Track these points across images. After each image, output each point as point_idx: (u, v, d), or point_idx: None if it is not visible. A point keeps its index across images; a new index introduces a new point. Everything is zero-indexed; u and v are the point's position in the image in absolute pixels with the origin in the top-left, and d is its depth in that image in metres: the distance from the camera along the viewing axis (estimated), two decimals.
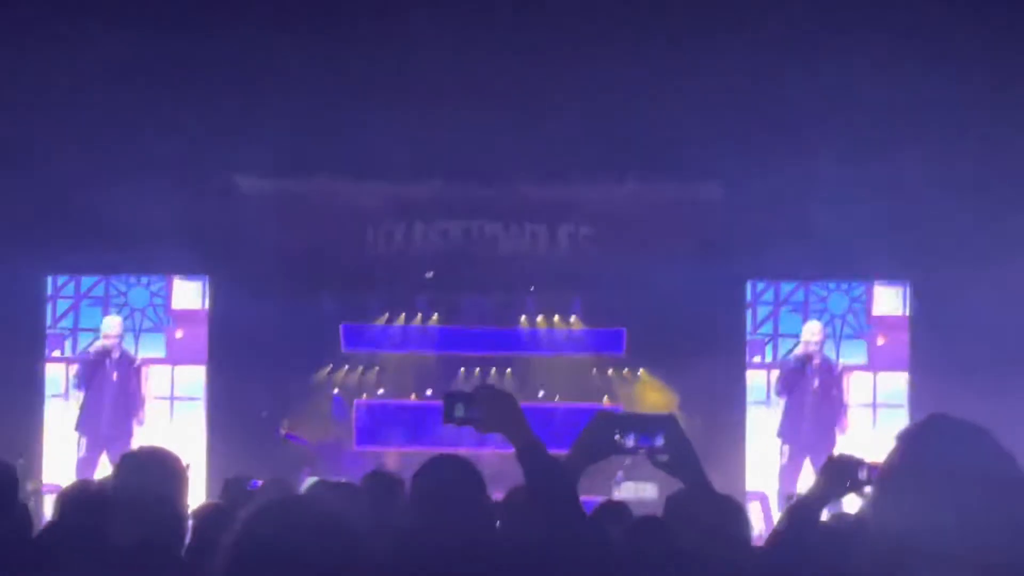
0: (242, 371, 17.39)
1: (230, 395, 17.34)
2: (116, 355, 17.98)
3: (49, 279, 18.05)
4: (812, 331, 18.00)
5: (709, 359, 17.21)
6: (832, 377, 17.94)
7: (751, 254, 17.26)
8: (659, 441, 4.25)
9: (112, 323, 18.05)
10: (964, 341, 16.12)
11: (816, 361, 17.91)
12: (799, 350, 18.00)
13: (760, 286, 18.15)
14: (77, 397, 18.00)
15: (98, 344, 18.01)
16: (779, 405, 17.97)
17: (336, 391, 19.22)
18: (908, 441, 2.96)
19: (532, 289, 18.60)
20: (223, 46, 15.06)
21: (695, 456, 4.32)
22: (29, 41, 14.71)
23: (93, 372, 17.94)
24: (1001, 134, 14.99)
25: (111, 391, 17.96)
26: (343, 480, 7.12)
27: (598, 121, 15.72)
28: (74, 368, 18.04)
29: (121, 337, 18.04)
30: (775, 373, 18.07)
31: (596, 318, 18.83)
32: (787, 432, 17.88)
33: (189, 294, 18.17)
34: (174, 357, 18.12)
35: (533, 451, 4.27)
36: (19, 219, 16.63)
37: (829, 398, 17.90)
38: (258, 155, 17.09)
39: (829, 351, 17.98)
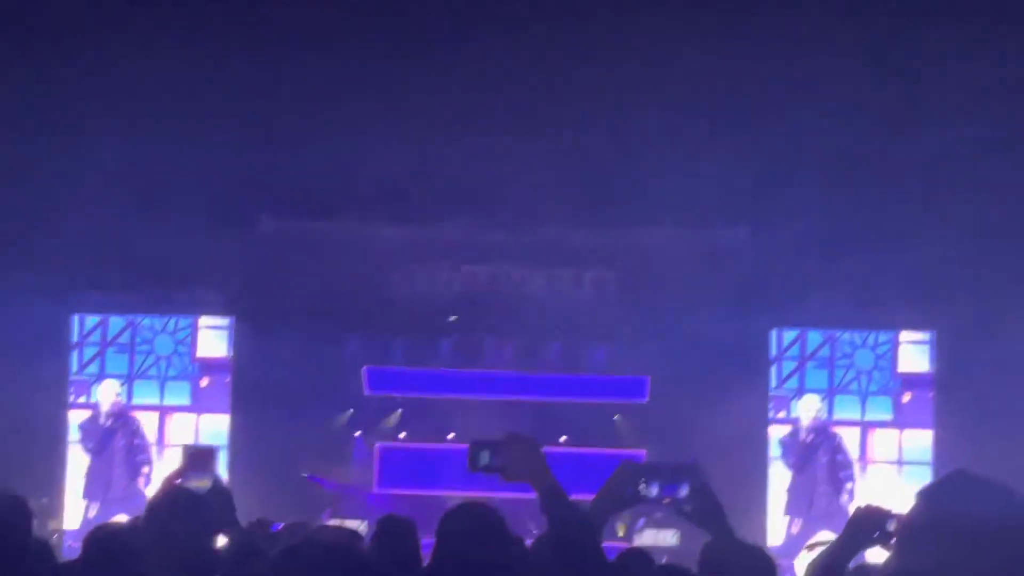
0: (265, 412, 17.39)
1: (253, 436, 17.29)
2: (116, 420, 17.96)
3: (75, 318, 18.08)
4: (810, 405, 17.93)
5: (733, 408, 17.16)
6: (834, 446, 17.84)
7: (776, 302, 17.24)
8: (683, 491, 4.24)
9: (108, 390, 18.05)
10: (991, 391, 16.02)
11: (813, 435, 17.84)
12: (803, 422, 17.93)
13: (788, 336, 18.07)
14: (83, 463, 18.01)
15: (102, 410, 18.01)
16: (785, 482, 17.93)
17: (358, 433, 19.22)
18: (928, 498, 2.94)
19: (557, 333, 18.58)
20: (248, 89, 15.13)
21: (720, 507, 4.31)
22: (60, 81, 14.79)
23: (101, 440, 17.94)
24: None
25: (119, 455, 17.94)
26: (360, 523, 7.08)
27: (624, 167, 15.75)
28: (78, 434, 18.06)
29: (121, 402, 18.03)
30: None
31: (620, 365, 18.80)
32: (797, 507, 17.79)
33: (214, 342, 18.17)
34: (200, 405, 18.14)
35: (557, 499, 4.27)
36: (45, 258, 16.68)
37: (835, 467, 17.80)
38: (284, 197, 17.16)
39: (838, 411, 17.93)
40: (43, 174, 15.66)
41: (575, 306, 17.83)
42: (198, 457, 4.83)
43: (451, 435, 18.48)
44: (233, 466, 17.17)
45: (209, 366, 18.14)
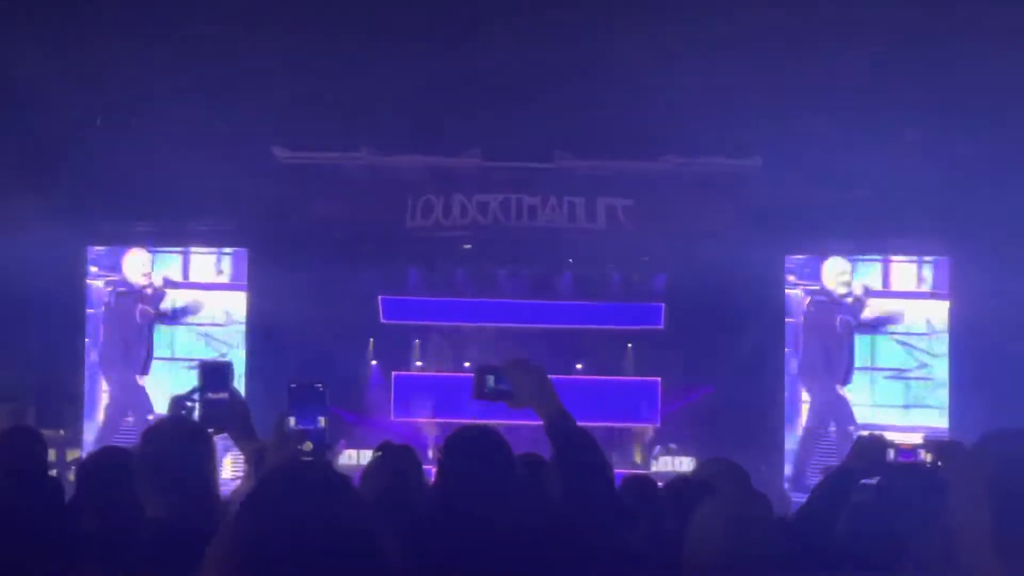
0: (281, 342, 17.45)
1: (268, 367, 17.28)
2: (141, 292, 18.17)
3: (88, 249, 18.13)
4: (837, 270, 17.91)
5: (747, 334, 17.21)
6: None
7: (790, 228, 17.22)
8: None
9: (137, 261, 18.20)
10: (1003, 320, 15.98)
11: (849, 300, 17.88)
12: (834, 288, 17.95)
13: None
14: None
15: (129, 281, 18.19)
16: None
17: (374, 362, 19.29)
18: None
19: (570, 262, 18.60)
20: (265, 19, 15.07)
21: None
22: (69, 15, 14.75)
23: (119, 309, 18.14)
24: None
25: (133, 326, 18.13)
26: (377, 452, 7.08)
27: (637, 95, 15.67)
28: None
29: (148, 276, 18.18)
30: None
31: (634, 292, 18.82)
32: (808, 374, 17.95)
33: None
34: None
35: (562, 424, 4.29)
36: (59, 189, 16.71)
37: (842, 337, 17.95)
38: (298, 127, 17.14)
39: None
40: (59, 106, 15.63)
41: (589, 234, 17.83)
42: (214, 371, 4.84)
43: (467, 363, 18.53)
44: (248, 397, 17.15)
45: None
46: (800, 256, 17.97)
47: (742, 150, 17.12)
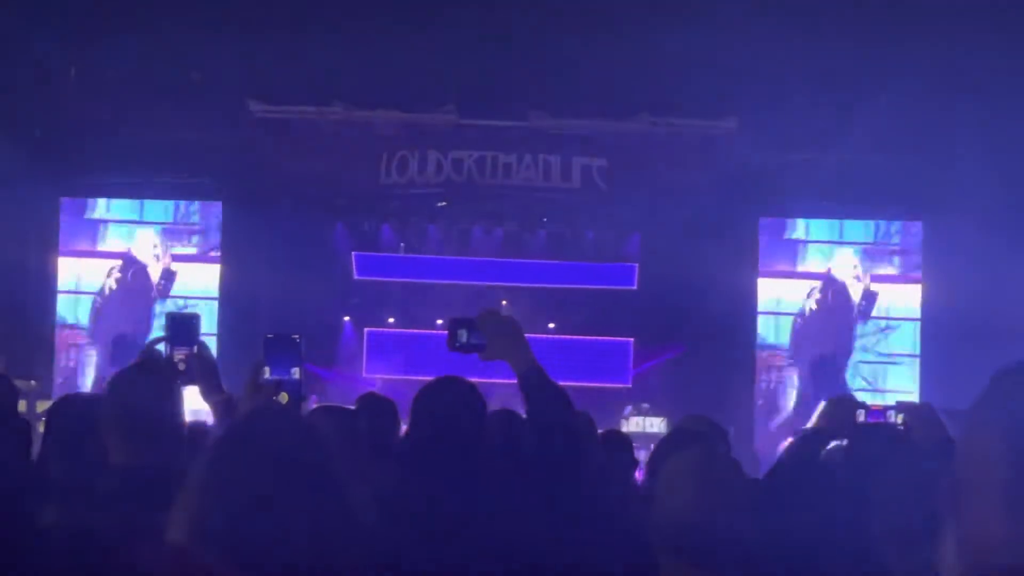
0: (254, 297, 17.38)
1: (241, 322, 17.21)
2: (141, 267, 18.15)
3: (62, 201, 18.03)
4: (847, 262, 18.06)
5: (719, 296, 17.21)
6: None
7: (764, 190, 17.21)
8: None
9: (148, 240, 18.19)
10: (975, 284, 16.00)
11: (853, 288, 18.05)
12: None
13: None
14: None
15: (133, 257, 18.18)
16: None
17: (347, 319, 19.24)
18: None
19: (545, 221, 18.56)
20: None
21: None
22: None
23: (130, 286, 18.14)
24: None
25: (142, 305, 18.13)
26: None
27: (614, 54, 15.63)
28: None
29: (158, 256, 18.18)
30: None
31: (608, 252, 18.81)
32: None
33: None
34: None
35: (535, 377, 4.27)
36: (33, 141, 16.61)
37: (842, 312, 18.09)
38: (274, 81, 17.06)
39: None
40: (32, 58, 15.54)
41: (564, 193, 17.79)
42: (181, 324, 4.79)
43: (439, 321, 18.49)
44: (221, 354, 17.13)
45: None
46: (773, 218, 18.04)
47: (717, 111, 17.09)
